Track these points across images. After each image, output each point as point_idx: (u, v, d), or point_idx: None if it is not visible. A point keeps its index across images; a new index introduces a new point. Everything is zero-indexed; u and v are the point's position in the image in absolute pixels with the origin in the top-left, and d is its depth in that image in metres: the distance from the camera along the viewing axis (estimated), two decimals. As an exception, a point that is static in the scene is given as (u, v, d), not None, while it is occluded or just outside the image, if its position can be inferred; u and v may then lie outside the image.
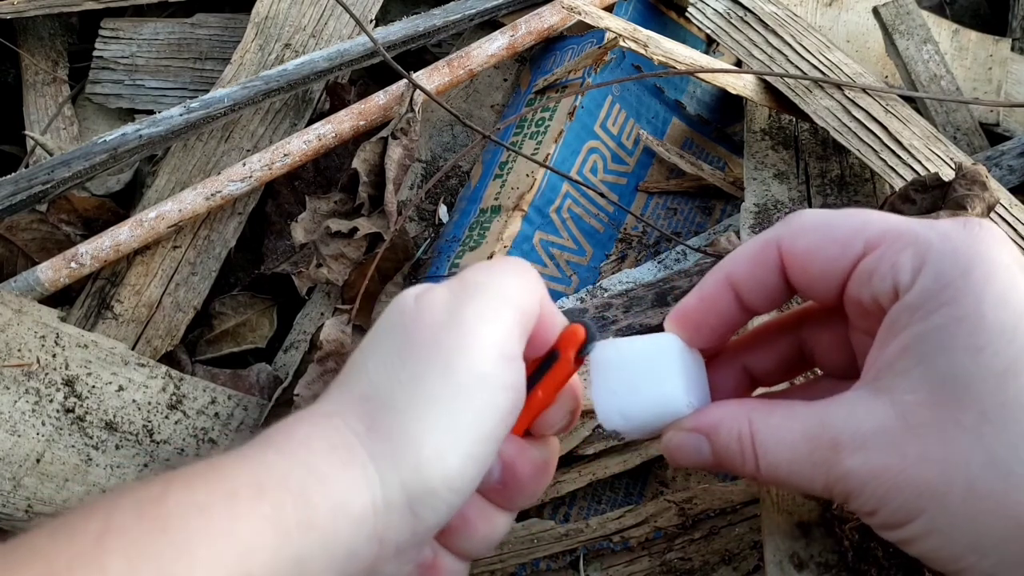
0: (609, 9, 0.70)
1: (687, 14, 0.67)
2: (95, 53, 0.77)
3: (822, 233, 0.33)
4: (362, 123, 0.66)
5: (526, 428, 0.36)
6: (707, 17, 0.66)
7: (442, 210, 0.68)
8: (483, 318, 0.32)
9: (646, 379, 0.35)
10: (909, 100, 0.64)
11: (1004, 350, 0.28)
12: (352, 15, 0.65)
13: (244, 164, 0.64)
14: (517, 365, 0.33)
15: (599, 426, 0.51)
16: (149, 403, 0.56)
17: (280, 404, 0.58)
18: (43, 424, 0.54)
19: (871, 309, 0.32)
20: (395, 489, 0.30)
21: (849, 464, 0.30)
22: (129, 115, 0.76)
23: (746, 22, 0.66)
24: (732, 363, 0.38)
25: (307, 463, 0.29)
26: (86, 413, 0.55)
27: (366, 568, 0.30)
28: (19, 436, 0.53)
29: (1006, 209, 0.54)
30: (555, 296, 0.60)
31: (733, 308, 0.35)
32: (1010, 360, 0.28)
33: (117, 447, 0.54)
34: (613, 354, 0.36)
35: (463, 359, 0.31)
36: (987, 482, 0.28)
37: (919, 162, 0.57)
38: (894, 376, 0.30)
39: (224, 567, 0.26)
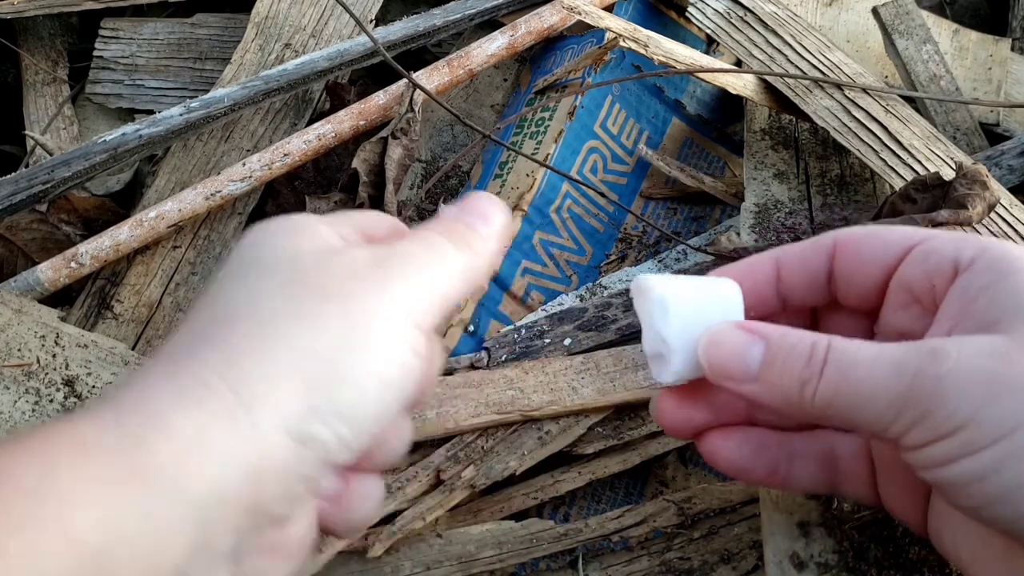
0: (609, 9, 0.70)
1: (687, 14, 0.67)
2: (95, 53, 0.77)
3: (878, 231, 0.35)
4: (362, 123, 0.66)
5: None
6: (707, 17, 0.66)
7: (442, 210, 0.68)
8: (407, 285, 0.30)
9: (710, 311, 0.33)
10: (909, 100, 0.64)
11: None
12: (352, 15, 0.65)
13: (244, 164, 0.64)
14: (428, 340, 0.31)
15: (595, 425, 0.51)
16: (149, 403, 0.56)
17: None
18: (43, 424, 0.54)
19: (919, 289, 0.33)
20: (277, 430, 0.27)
21: (948, 366, 0.28)
22: (129, 115, 0.76)
23: (746, 22, 0.66)
24: None
25: (149, 410, 0.26)
26: (86, 413, 0.55)
27: (248, 507, 0.27)
28: (19, 436, 0.53)
29: (1006, 209, 0.54)
30: (555, 295, 0.60)
31: (770, 285, 0.36)
32: None
33: (117, 447, 0.54)
34: (675, 289, 0.34)
35: (382, 316, 0.29)
36: None
37: (919, 162, 0.57)
38: (985, 324, 0.30)
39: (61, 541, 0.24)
